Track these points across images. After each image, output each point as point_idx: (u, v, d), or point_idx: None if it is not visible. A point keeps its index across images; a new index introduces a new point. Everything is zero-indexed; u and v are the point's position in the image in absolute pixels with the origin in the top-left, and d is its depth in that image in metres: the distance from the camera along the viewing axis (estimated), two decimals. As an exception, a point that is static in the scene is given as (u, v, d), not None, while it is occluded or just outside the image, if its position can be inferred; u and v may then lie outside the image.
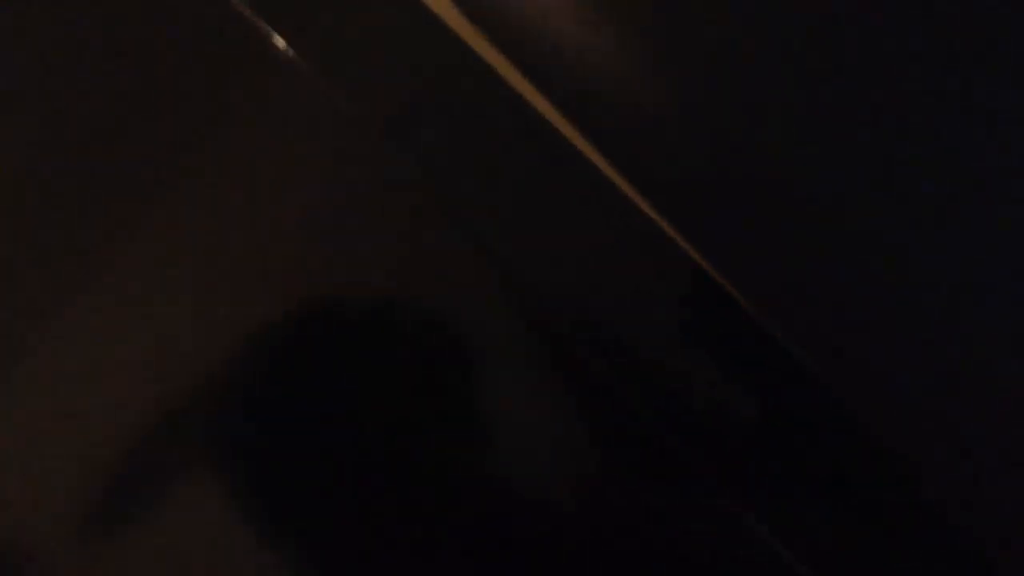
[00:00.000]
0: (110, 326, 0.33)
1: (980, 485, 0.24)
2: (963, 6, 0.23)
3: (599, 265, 0.29)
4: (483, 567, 0.30)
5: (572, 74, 0.28)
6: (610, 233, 0.29)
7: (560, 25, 0.27)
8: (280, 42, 0.32)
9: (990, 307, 0.23)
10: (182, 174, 0.33)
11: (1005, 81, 0.23)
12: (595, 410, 0.30)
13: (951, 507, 0.25)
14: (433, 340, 0.32)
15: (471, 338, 0.31)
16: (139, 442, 0.32)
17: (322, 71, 0.32)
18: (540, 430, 0.31)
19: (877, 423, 0.25)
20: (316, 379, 0.32)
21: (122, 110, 0.33)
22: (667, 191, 0.28)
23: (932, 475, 0.25)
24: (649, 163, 0.28)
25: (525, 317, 0.31)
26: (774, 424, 0.27)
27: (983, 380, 0.23)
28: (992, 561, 0.25)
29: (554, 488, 0.31)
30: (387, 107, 0.32)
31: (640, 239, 0.28)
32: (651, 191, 0.28)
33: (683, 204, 0.27)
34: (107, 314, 0.33)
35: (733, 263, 0.27)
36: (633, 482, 0.30)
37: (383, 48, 0.32)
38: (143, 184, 0.33)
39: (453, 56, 0.31)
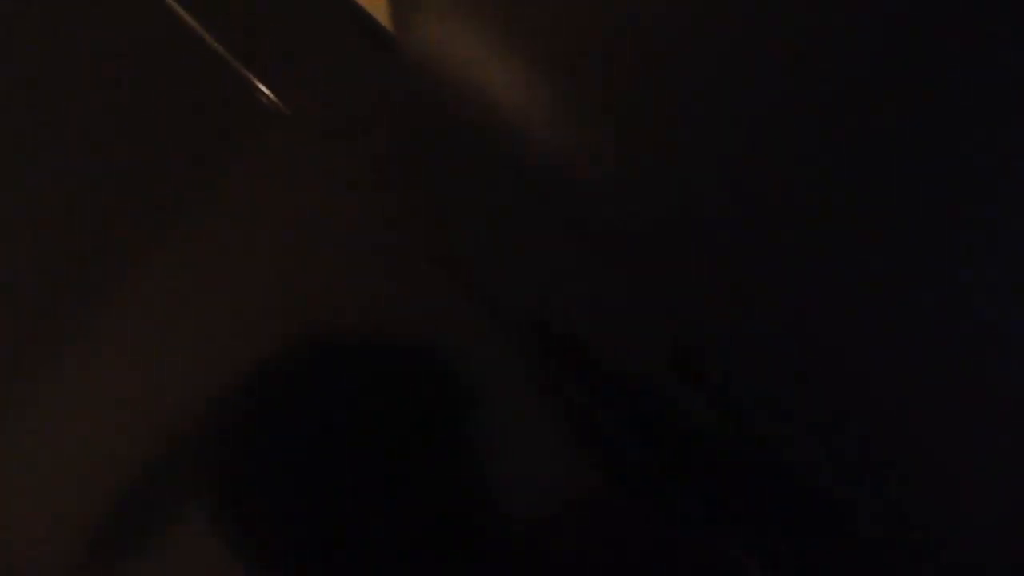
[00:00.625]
0: (105, 368, 0.34)
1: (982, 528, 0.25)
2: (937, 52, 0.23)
3: (587, 299, 0.30)
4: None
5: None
6: (597, 264, 0.29)
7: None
8: (265, 92, 0.33)
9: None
10: (174, 220, 0.34)
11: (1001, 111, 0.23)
12: (587, 438, 0.31)
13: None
14: (426, 374, 0.32)
15: (462, 372, 0.32)
16: (138, 479, 0.33)
17: (304, 118, 0.33)
18: (533, 461, 0.31)
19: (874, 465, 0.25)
20: (311, 412, 0.33)
21: (109, 159, 0.34)
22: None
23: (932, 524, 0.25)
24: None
25: (513, 351, 0.31)
26: (771, 463, 0.27)
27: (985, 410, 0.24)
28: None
29: (548, 524, 0.31)
30: (367, 150, 0.32)
31: (629, 278, 0.29)
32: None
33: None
34: (103, 355, 0.34)
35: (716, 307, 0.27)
36: (627, 515, 0.30)
37: (364, 95, 0.33)
38: (133, 233, 0.34)
39: (433, 102, 0.31)
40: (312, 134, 0.33)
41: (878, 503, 0.25)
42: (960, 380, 0.23)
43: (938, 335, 0.23)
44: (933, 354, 0.23)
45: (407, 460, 0.32)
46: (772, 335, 0.26)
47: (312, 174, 0.33)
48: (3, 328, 0.34)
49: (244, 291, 0.33)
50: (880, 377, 0.23)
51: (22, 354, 0.34)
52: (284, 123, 0.33)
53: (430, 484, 0.32)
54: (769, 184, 0.25)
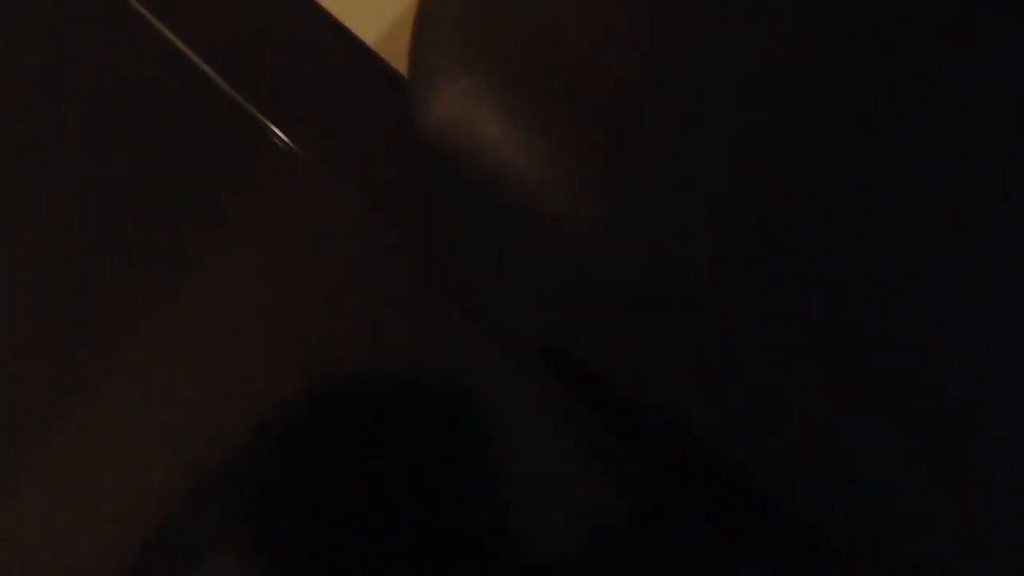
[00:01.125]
0: (122, 414, 0.34)
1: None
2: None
3: (594, 331, 0.30)
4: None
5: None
6: (601, 294, 0.29)
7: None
8: (279, 134, 0.34)
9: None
10: (193, 260, 0.34)
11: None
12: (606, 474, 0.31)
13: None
14: (441, 410, 0.33)
15: (475, 407, 0.33)
16: (163, 518, 0.33)
17: (318, 159, 0.34)
18: (551, 492, 0.32)
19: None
20: (328, 450, 0.33)
21: (126, 204, 0.35)
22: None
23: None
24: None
25: (526, 384, 0.32)
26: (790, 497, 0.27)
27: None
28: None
29: (568, 555, 0.31)
30: (382, 189, 0.33)
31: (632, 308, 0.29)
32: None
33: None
34: (120, 402, 0.34)
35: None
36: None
37: (378, 136, 0.34)
38: (149, 277, 0.35)
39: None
40: (326, 174, 0.34)
41: (882, 524, 0.25)
42: (959, 390, 0.23)
43: (936, 366, 0.24)
44: (928, 383, 0.24)
45: (425, 494, 0.32)
46: (784, 357, 0.26)
47: (327, 214, 0.34)
48: (30, 369, 0.35)
49: (259, 330, 0.34)
50: (880, 404, 0.24)
51: (48, 395, 0.35)
52: (298, 164, 0.34)
53: (445, 512, 0.32)
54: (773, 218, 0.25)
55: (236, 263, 0.34)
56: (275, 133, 0.34)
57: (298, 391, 0.33)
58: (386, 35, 0.37)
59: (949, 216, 0.23)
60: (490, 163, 0.28)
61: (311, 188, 0.34)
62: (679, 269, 0.26)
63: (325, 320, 0.34)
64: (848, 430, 0.23)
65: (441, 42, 0.28)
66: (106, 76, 0.35)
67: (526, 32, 0.27)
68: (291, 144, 0.34)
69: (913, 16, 0.23)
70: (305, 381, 0.33)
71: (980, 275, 0.22)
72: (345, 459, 0.33)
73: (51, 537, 0.34)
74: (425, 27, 0.29)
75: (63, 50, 0.35)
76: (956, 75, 0.23)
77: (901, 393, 0.22)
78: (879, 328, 0.23)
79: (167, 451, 0.34)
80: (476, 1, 0.28)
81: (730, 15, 0.25)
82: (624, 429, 0.29)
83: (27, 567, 0.34)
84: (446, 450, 0.33)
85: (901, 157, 0.23)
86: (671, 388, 0.26)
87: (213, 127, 0.34)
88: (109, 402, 0.34)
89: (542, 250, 0.28)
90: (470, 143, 0.28)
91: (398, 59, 0.35)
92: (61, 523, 0.34)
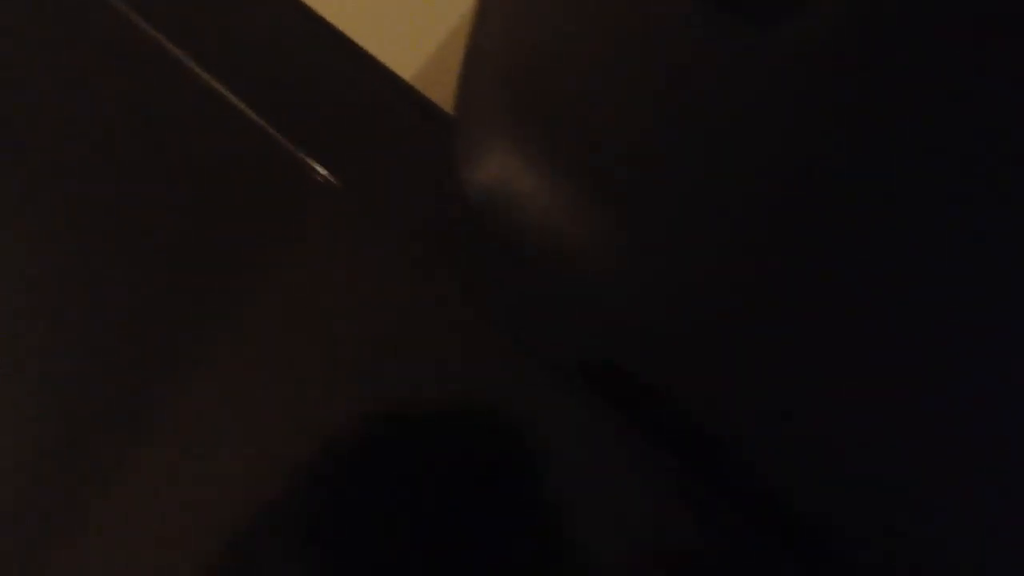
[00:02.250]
0: (179, 450, 0.35)
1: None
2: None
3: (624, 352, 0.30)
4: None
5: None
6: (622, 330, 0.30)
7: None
8: (321, 171, 0.35)
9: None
10: (237, 294, 0.36)
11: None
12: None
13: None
14: (490, 443, 0.33)
15: (522, 436, 0.33)
16: (225, 555, 0.34)
17: (358, 192, 0.34)
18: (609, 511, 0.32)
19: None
20: (384, 480, 0.33)
21: (169, 241, 0.36)
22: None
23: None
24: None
25: (570, 409, 0.32)
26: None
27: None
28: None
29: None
30: (421, 219, 0.34)
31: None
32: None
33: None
34: (176, 435, 0.35)
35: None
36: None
37: (417, 169, 0.35)
38: (191, 314, 0.36)
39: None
40: (366, 207, 0.34)
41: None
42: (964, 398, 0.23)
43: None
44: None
45: (483, 521, 0.32)
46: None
47: (367, 245, 0.35)
48: (81, 418, 0.36)
49: (302, 361, 0.35)
50: (881, 405, 0.23)
51: (101, 434, 0.36)
52: (337, 196, 0.35)
53: (506, 542, 0.32)
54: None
55: (280, 296, 0.35)
56: (314, 167, 0.35)
57: (344, 424, 0.34)
58: (423, 68, 0.38)
59: (949, 216, 0.23)
60: (530, 222, 0.28)
61: (351, 220, 0.35)
62: (692, 285, 0.26)
63: (368, 351, 0.34)
64: (849, 430, 0.23)
65: (485, 106, 0.29)
66: (145, 116, 0.37)
67: (567, 98, 0.27)
68: (330, 177, 0.35)
69: (913, 16, 0.23)
70: (352, 415, 0.34)
71: (980, 275, 0.22)
72: (401, 489, 0.33)
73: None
74: (470, 84, 0.30)
75: (106, 92, 0.37)
76: (957, 75, 0.23)
77: (902, 393, 0.22)
78: (879, 328, 0.23)
79: (216, 487, 0.34)
80: (519, 59, 0.28)
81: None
82: (651, 434, 0.29)
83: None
84: (501, 478, 0.33)
85: (901, 157, 0.23)
86: (682, 392, 0.27)
87: (253, 163, 0.35)
88: (159, 440, 0.35)
89: (576, 287, 0.29)
90: (511, 206, 0.29)
91: (435, 91, 0.36)
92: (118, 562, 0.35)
